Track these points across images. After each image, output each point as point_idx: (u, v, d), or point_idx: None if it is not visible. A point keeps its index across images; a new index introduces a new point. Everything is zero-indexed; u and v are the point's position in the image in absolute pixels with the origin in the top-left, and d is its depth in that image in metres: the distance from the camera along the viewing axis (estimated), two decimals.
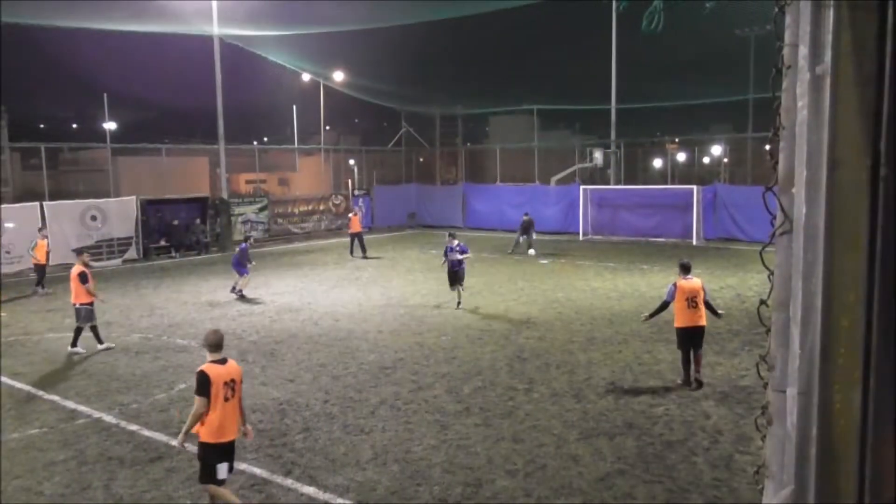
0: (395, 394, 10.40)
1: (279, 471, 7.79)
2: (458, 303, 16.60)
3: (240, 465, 7.93)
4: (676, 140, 46.78)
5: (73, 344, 13.24)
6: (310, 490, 7.31)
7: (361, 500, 7.08)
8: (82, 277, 13.05)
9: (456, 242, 16.99)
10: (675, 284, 10.67)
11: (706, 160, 50.92)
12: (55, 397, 10.55)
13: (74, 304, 13.28)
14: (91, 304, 13.21)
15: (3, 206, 25.18)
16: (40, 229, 22.03)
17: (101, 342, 13.35)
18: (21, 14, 25.35)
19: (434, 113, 42.81)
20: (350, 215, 27.15)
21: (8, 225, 23.60)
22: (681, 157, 50.31)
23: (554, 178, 35.59)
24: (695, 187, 29.36)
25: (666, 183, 41.06)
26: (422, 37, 29.21)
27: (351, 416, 9.47)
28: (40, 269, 20.06)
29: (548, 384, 10.75)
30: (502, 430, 8.87)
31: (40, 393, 10.79)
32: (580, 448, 8.30)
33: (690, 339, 10.54)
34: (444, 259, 17.17)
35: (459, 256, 16.71)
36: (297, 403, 10.06)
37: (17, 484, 7.58)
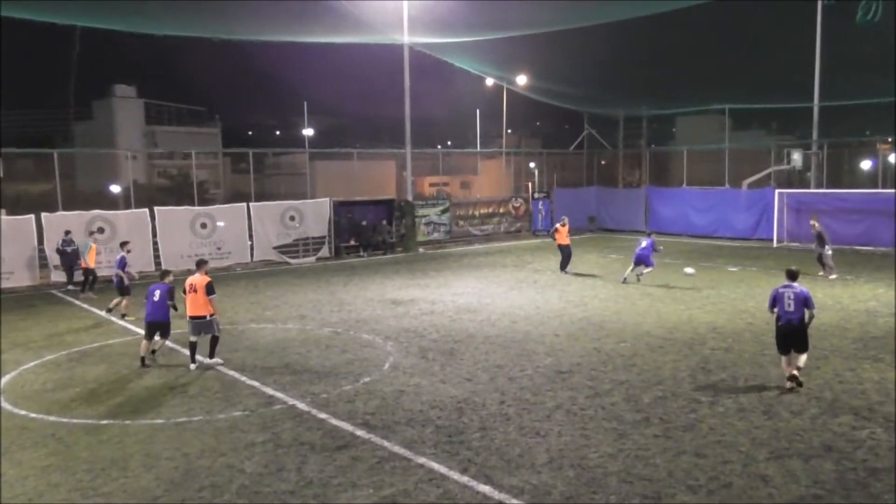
0: (572, 399, 10.29)
1: (456, 467, 7.95)
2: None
3: (418, 459, 8.20)
4: (889, 140, 42.56)
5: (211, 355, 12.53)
6: (485, 489, 7.41)
7: (536, 502, 7.08)
8: (209, 288, 12.27)
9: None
10: None
11: None
12: (255, 383, 11.44)
13: (203, 317, 12.32)
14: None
15: (215, 206, 27.78)
16: (91, 233, 21.61)
17: (193, 361, 12.45)
18: (235, 31, 27.84)
19: (618, 114, 41.84)
20: (557, 225, 23.45)
21: (219, 223, 25.97)
22: (893, 158, 45.73)
23: (746, 182, 33.67)
24: None
25: (876, 187, 37.54)
26: (607, 37, 28.61)
27: (527, 419, 9.49)
28: (89, 272, 19.91)
29: (734, 398, 10.17)
30: (684, 443, 8.51)
31: (243, 378, 11.76)
32: (770, 468, 7.78)
33: None
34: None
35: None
36: (474, 402, 10.23)
37: (223, 461, 8.30)
